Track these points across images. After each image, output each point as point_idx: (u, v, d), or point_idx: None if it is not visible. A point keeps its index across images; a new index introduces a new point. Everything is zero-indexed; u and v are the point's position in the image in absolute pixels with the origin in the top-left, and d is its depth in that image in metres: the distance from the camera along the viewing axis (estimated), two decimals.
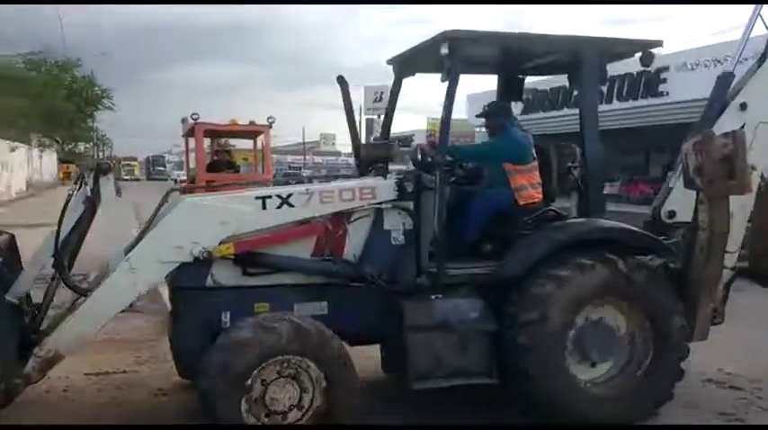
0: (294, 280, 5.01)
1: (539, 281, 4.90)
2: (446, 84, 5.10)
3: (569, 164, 5.70)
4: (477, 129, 26.34)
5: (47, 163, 47.25)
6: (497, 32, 5.45)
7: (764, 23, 5.89)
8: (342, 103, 5.56)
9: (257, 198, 4.93)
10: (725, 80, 5.92)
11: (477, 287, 5.09)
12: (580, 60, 5.27)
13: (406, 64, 6.04)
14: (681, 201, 5.71)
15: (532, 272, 4.96)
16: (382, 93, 18.93)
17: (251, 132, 12.85)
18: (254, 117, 14.32)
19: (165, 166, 72.70)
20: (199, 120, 11.62)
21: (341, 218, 5.06)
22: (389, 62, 6.11)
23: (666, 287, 5.13)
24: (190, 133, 12.23)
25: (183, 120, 12.42)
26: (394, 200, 5.06)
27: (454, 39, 4.95)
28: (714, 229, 5.20)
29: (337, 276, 5.04)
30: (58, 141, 52.94)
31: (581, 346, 5.05)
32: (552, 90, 29.38)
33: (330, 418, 4.47)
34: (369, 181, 5.16)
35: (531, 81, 6.41)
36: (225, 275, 4.85)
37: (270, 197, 4.93)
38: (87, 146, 67.66)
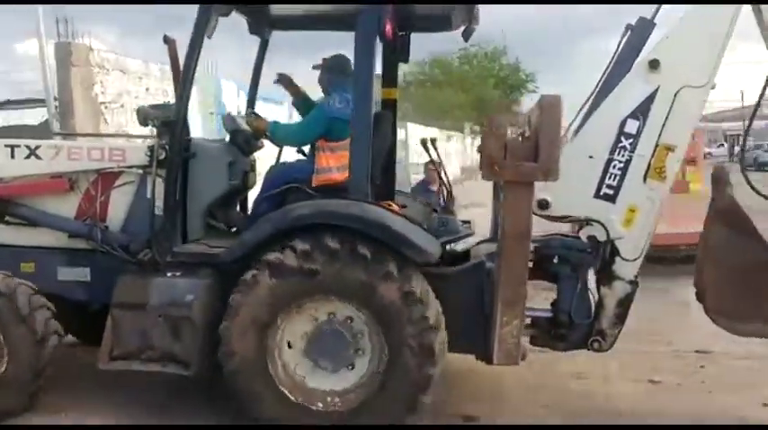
0: (58, 242, 4.75)
1: (251, 267, 4.08)
2: None
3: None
4: None
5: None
6: None
7: None
8: None
9: (6, 146, 4.77)
10: (641, 30, 4.56)
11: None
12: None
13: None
14: (556, 189, 4.40)
15: (251, 256, 4.13)
16: None
17: None
18: None
19: None
20: None
21: (106, 182, 4.71)
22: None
23: (407, 292, 3.97)
24: None
25: None
26: (146, 165, 4.55)
27: None
28: (507, 227, 3.96)
29: (89, 241, 4.66)
30: (483, 126, 55.90)
31: (310, 349, 4.11)
32: None
33: None
34: (121, 142, 4.72)
35: None
36: None
37: (18, 146, 4.74)
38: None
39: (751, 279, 4.15)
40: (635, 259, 4.45)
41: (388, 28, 4.20)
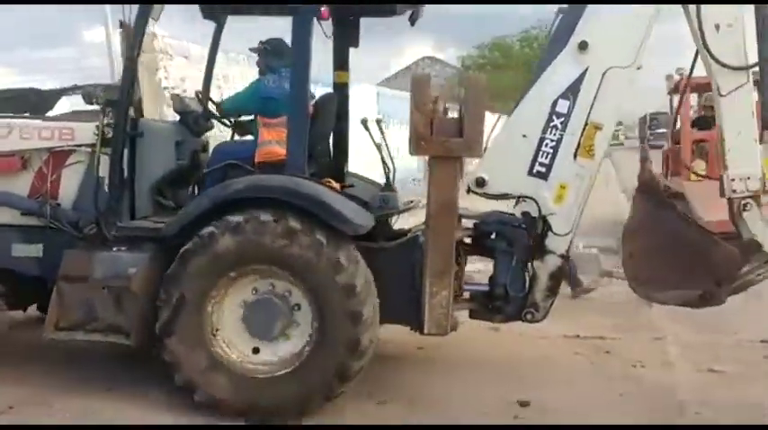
0: (12, 219, 4.87)
1: (189, 241, 4.23)
2: None
3: None
4: None
5: None
6: None
7: None
8: None
9: None
10: (573, 12, 4.59)
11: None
12: None
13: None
14: (494, 167, 4.55)
15: (190, 230, 4.27)
16: None
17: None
18: None
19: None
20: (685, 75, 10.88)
21: (57, 160, 4.84)
22: None
23: (335, 262, 4.11)
24: (675, 90, 11.36)
25: (668, 77, 11.67)
26: (94, 144, 4.67)
27: None
28: (433, 201, 4.13)
29: (40, 218, 4.79)
30: None
31: (247, 320, 4.27)
32: None
33: None
34: (70, 122, 4.85)
35: None
36: None
37: None
38: None
39: (666, 248, 4.31)
40: (566, 234, 4.60)
41: (324, 10, 4.35)
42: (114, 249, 4.55)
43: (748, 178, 4.27)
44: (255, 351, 4.31)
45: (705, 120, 10.54)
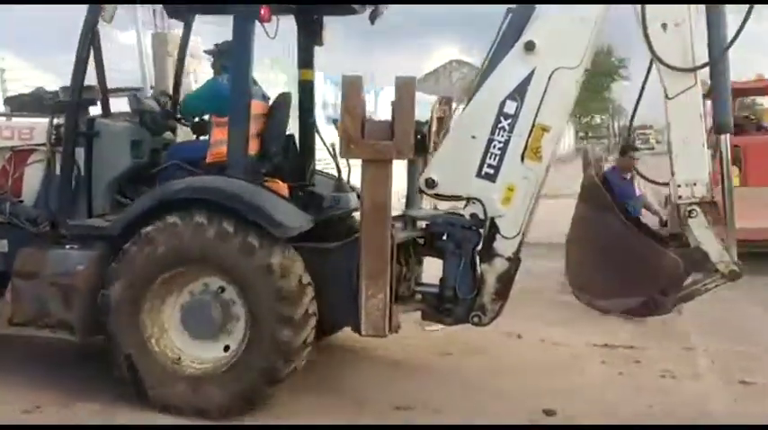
0: None
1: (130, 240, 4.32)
2: None
3: None
4: None
5: (565, 136, 45.27)
6: None
7: None
8: None
9: None
10: (522, 12, 4.53)
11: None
12: None
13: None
14: (445, 169, 4.51)
15: (133, 229, 4.35)
16: None
17: None
18: None
19: None
20: None
21: (19, 159, 4.99)
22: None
23: (266, 264, 4.15)
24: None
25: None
26: (52, 143, 4.80)
27: None
28: (366, 203, 4.12)
29: (1, 214, 4.92)
30: (574, 115, 52.25)
31: (184, 319, 4.36)
32: None
33: None
34: (29, 121, 4.99)
35: None
36: None
37: None
38: (603, 117, 67.60)
39: (609, 255, 4.21)
40: (514, 237, 4.53)
41: (264, 11, 4.36)
42: (67, 247, 4.66)
43: (695, 184, 4.14)
44: (192, 350, 4.37)
45: (739, 126, 10.21)
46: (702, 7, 4.19)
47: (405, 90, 3.98)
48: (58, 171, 4.78)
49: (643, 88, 4.52)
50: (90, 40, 4.60)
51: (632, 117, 4.80)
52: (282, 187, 4.67)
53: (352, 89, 3.99)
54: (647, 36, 4.13)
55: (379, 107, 12.47)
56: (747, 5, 4.05)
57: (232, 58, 4.52)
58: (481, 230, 4.56)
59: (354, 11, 5.23)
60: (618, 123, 71.68)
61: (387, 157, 4.03)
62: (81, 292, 4.44)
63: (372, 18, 5.21)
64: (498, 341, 5.60)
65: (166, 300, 4.36)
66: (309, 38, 5.47)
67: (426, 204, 5.22)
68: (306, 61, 5.55)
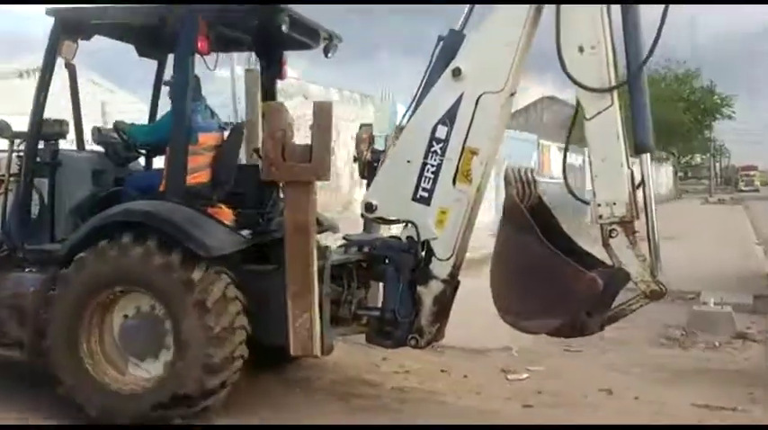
0: None
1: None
2: None
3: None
4: None
5: (663, 176, 44.11)
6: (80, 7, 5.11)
7: None
8: None
9: None
10: (451, 40, 4.68)
11: None
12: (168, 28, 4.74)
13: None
14: (383, 193, 4.68)
15: (77, 253, 4.57)
16: None
17: None
18: None
19: None
20: None
21: None
22: None
23: (187, 281, 4.30)
24: None
25: None
26: (17, 173, 5.06)
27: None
28: (289, 224, 4.26)
29: None
30: (674, 154, 51.69)
31: (120, 338, 4.54)
32: None
33: None
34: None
35: None
36: None
37: None
38: (704, 157, 66.91)
39: (528, 276, 4.22)
40: (447, 258, 4.60)
41: (202, 44, 4.60)
42: (26, 270, 4.93)
43: (614, 203, 4.15)
44: (132, 368, 4.55)
45: None
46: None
47: (322, 114, 4.13)
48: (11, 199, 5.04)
49: (576, 112, 4.53)
50: (49, 74, 4.91)
51: (567, 139, 4.77)
52: (226, 213, 4.85)
53: (274, 115, 4.17)
54: (560, 58, 4.20)
55: None
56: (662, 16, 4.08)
57: (173, 90, 4.77)
58: (418, 253, 4.67)
59: (311, 46, 5.46)
60: (720, 164, 70.15)
61: (305, 179, 4.16)
62: (30, 313, 4.67)
63: (326, 51, 5.41)
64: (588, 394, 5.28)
65: (104, 321, 4.55)
66: (271, 72, 5.71)
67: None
68: (269, 94, 5.77)
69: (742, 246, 14.17)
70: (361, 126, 5.22)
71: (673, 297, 8.71)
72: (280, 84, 8.16)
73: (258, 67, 5.93)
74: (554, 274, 4.12)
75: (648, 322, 6.97)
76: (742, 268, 10.23)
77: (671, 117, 40.41)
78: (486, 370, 5.84)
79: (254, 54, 6.02)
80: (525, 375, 5.67)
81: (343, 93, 9.40)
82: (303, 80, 9.47)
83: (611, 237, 4.16)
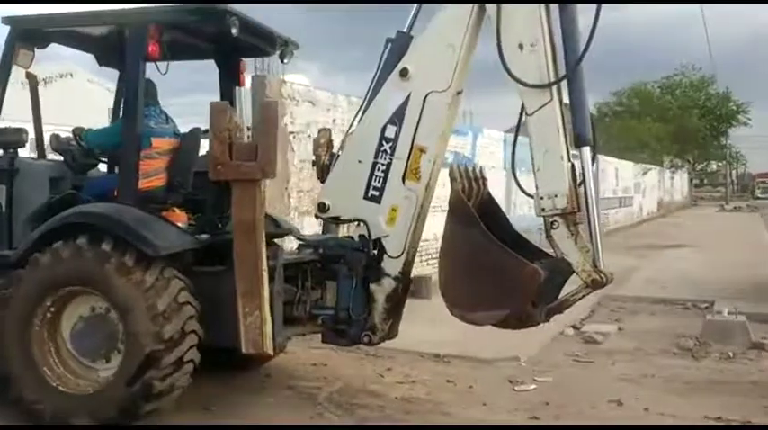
0: None
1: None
2: None
3: None
4: None
5: (677, 183, 43.77)
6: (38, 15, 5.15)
7: None
8: None
9: None
10: (400, 42, 4.80)
11: None
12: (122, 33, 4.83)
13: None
14: (335, 193, 4.78)
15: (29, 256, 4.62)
16: None
17: None
18: None
19: None
20: None
21: None
22: None
23: (138, 282, 4.34)
24: None
25: None
26: None
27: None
28: (236, 223, 4.32)
29: None
30: (689, 161, 51.09)
31: (73, 340, 4.57)
32: None
33: None
34: None
35: None
36: None
37: None
38: (719, 164, 64.87)
39: (472, 268, 4.28)
40: (398, 256, 4.68)
41: (152, 49, 4.68)
42: None
43: (556, 196, 4.23)
44: (85, 370, 4.57)
45: None
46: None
47: (268, 112, 4.20)
48: None
49: (521, 117, 4.62)
50: (3, 82, 4.97)
51: (516, 134, 4.85)
52: (179, 215, 4.90)
53: (218, 115, 4.23)
54: (501, 56, 4.30)
55: (477, 150, 12.82)
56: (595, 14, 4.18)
57: (124, 95, 4.84)
58: (370, 251, 4.74)
59: (268, 53, 5.56)
60: (736, 171, 69.96)
61: (252, 177, 4.22)
62: None
63: (282, 57, 5.51)
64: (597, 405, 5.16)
65: (57, 322, 4.57)
66: (229, 79, 5.78)
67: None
68: (228, 101, 5.83)
69: (758, 254, 13.86)
70: (320, 130, 5.30)
71: (686, 306, 8.99)
72: (286, 90, 8.26)
73: (266, 72, 5.97)
74: (497, 266, 4.18)
75: (661, 331, 7.03)
76: (758, 277, 10.03)
77: (686, 124, 40.89)
78: (493, 380, 5.78)
79: (264, 60, 6.07)
80: (533, 386, 5.60)
81: (350, 99, 9.48)
82: (311, 87, 9.57)
83: (552, 228, 4.24)
